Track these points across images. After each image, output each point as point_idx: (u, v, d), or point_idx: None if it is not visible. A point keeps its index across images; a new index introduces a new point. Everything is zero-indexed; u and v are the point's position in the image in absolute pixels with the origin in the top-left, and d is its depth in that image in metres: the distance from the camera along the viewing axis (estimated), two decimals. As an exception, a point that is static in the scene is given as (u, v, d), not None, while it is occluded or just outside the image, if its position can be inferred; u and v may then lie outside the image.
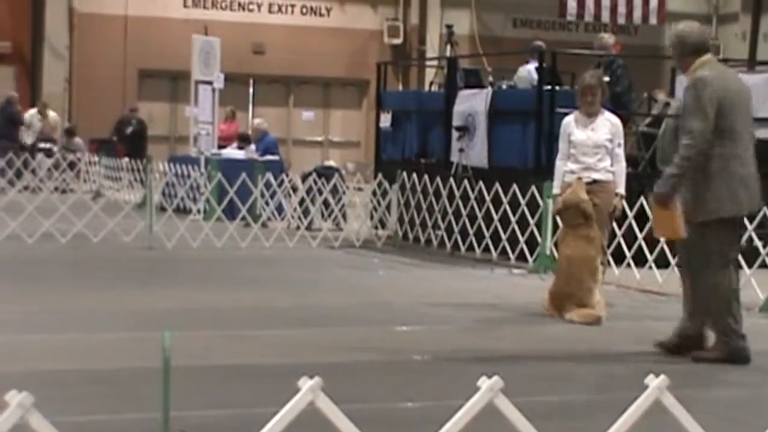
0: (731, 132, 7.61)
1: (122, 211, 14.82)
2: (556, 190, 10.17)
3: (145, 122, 28.17)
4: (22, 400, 2.95)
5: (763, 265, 10.97)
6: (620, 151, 10.15)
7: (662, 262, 11.58)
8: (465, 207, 14.18)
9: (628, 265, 11.98)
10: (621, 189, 10.08)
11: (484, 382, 3.40)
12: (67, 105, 29.10)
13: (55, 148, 25.40)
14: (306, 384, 3.27)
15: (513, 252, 13.32)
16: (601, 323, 9.26)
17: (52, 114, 26.58)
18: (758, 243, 11.13)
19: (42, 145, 25.16)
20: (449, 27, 18.73)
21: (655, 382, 3.56)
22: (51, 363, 6.95)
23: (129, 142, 26.96)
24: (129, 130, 27.50)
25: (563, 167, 10.09)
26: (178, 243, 13.99)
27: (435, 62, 21.76)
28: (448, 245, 14.48)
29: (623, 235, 11.90)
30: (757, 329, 9.43)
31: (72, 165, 24.04)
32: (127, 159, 22.84)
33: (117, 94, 29.29)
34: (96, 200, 18.37)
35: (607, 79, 11.88)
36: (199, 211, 16.57)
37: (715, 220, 7.60)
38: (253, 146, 20.39)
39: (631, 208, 11.73)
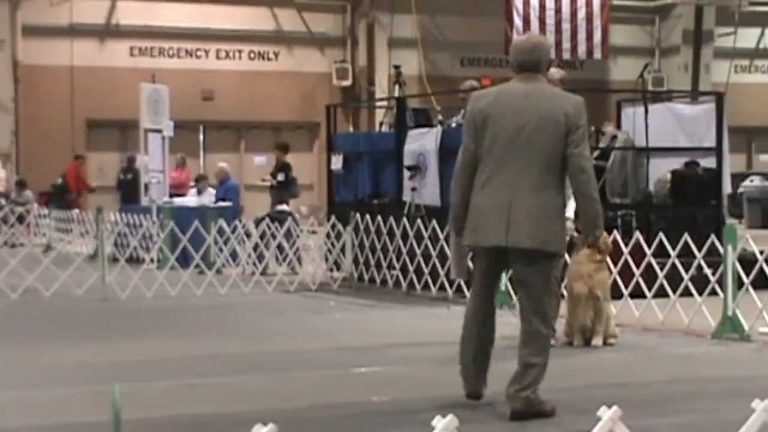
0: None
1: (74, 264, 14.68)
2: None
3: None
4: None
5: (713, 293, 11.04)
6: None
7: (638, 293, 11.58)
8: (419, 246, 14.18)
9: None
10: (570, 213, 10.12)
11: (438, 422, 3.39)
12: (15, 158, 28.89)
13: (3, 202, 25.11)
14: (261, 431, 3.24)
15: (468, 289, 13.30)
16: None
17: None
18: (707, 270, 11.20)
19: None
20: (397, 67, 18.82)
21: (608, 413, 3.55)
22: (1, 420, 6.84)
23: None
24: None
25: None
26: (132, 293, 13.88)
27: (384, 103, 21.83)
28: (404, 285, 14.46)
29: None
30: (709, 356, 9.49)
31: (21, 218, 23.82)
32: (77, 210, 22.68)
33: (65, 145, 29.15)
34: (47, 253, 18.22)
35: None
36: (152, 260, 16.48)
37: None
38: (210, 189, 20.43)
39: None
